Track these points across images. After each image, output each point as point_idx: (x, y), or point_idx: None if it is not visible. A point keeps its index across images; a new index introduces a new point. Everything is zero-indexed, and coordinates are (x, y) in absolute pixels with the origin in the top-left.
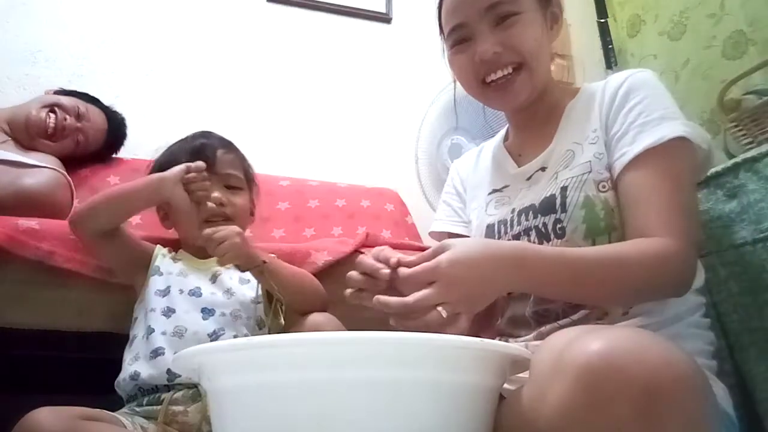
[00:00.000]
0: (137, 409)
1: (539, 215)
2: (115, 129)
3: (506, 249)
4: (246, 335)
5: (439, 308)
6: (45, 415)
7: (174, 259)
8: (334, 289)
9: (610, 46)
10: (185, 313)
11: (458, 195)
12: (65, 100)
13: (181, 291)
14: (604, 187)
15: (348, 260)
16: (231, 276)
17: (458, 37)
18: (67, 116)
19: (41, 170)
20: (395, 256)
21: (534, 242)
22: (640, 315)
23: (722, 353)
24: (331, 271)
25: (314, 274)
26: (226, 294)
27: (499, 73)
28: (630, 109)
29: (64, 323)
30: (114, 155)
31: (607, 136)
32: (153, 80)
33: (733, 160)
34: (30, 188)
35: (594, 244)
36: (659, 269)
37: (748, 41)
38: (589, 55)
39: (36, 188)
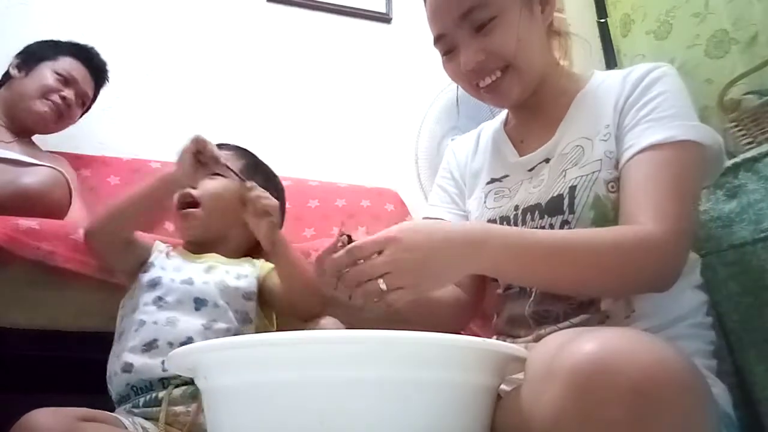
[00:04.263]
0: (135, 410)
1: (546, 216)
2: (96, 67)
3: (468, 227)
4: (234, 328)
5: (380, 280)
6: (44, 415)
7: (168, 256)
8: None
9: (610, 46)
10: (178, 303)
11: (453, 180)
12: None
13: (173, 280)
14: (613, 187)
15: None
16: (227, 270)
17: (444, 48)
18: (69, 96)
19: (40, 169)
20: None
21: None
22: (643, 318)
23: (722, 353)
24: None
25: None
26: (219, 285)
27: (488, 80)
28: (645, 103)
29: (64, 323)
30: (105, 83)
31: (619, 130)
32: (153, 80)
33: (733, 160)
34: (27, 186)
35: None
36: (637, 254)
37: (731, 40)
38: (588, 56)
39: (33, 187)
